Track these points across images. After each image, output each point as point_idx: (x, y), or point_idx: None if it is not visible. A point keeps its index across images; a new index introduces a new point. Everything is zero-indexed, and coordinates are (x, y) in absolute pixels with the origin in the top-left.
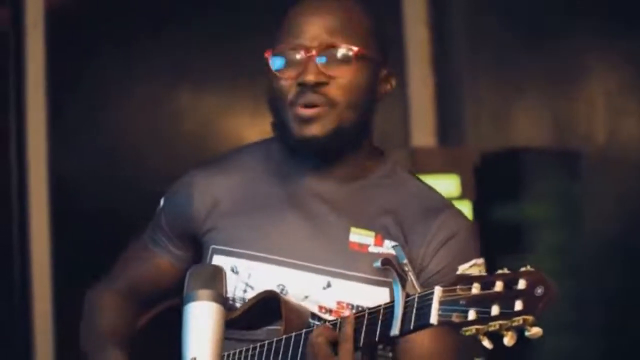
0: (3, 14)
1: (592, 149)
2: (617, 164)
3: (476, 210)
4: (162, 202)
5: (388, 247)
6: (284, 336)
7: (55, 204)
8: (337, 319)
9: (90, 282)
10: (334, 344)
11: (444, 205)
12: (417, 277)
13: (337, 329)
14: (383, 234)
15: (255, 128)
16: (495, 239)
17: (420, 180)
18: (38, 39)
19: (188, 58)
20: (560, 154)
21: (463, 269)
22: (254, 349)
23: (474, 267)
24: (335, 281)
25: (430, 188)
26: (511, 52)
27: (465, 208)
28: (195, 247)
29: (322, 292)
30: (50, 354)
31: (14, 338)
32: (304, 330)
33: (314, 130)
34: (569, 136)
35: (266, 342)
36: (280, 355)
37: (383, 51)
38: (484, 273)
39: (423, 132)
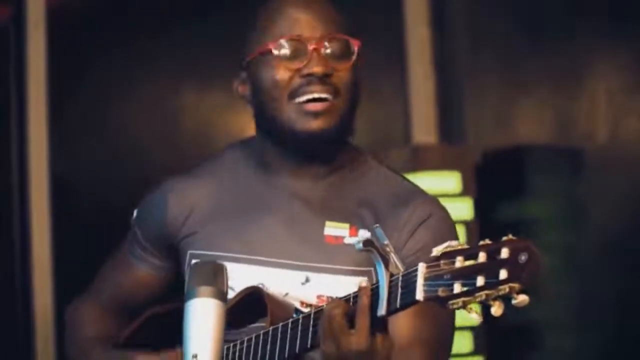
0: (4, 13)
1: (594, 147)
2: (619, 162)
3: (477, 208)
4: (135, 213)
5: (363, 236)
6: (271, 327)
7: (56, 203)
8: (350, 294)
9: (91, 281)
10: (349, 319)
11: (416, 191)
12: None
13: (351, 303)
14: (358, 225)
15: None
16: (497, 236)
17: (392, 170)
18: (39, 38)
19: (190, 57)
20: (562, 151)
21: (438, 250)
22: (242, 342)
23: (448, 248)
24: (313, 275)
25: (402, 177)
26: (513, 50)
27: (467, 206)
28: (173, 255)
29: (302, 288)
30: (51, 353)
31: (15, 337)
32: (290, 320)
33: (322, 123)
34: (571, 134)
35: (254, 335)
36: (268, 346)
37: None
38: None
39: (424, 130)
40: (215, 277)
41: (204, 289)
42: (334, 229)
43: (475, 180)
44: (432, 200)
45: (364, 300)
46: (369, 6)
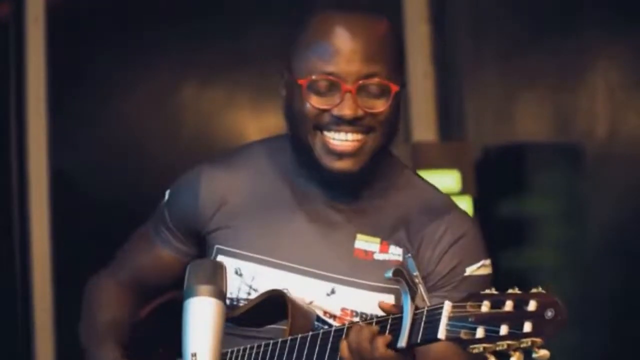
0: (4, 8)
1: (594, 144)
2: (620, 158)
3: (477, 205)
4: (166, 195)
5: (393, 253)
6: (289, 337)
7: (56, 199)
8: (374, 318)
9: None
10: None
11: (449, 206)
12: (425, 280)
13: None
14: (389, 240)
15: (257, 123)
16: (497, 234)
17: (425, 181)
18: (39, 33)
19: (190, 53)
20: (562, 148)
21: (471, 270)
22: (259, 347)
23: (481, 268)
24: (339, 288)
25: (434, 188)
26: (513, 46)
27: (466, 203)
28: (199, 243)
29: (326, 299)
30: (51, 352)
31: (15, 335)
32: (310, 334)
33: (347, 165)
34: (571, 131)
35: (271, 342)
36: (285, 356)
37: (402, 69)
38: (490, 272)
39: (424, 127)
40: (214, 275)
41: (203, 287)
42: (365, 243)
43: (475, 177)
44: (466, 217)
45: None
46: (368, 2)
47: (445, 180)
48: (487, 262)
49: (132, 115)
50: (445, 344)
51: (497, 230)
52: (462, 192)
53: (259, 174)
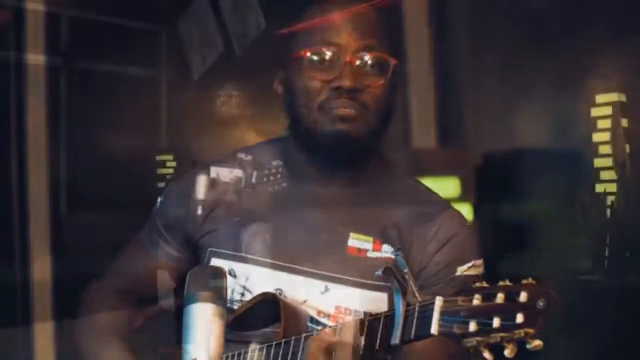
0: (3, 11)
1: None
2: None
3: (477, 212)
4: (158, 202)
5: (386, 251)
6: (284, 340)
7: (56, 202)
8: (337, 325)
9: (91, 281)
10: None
11: (443, 206)
12: (416, 278)
13: (337, 335)
14: (382, 238)
15: (256, 126)
16: (497, 240)
17: (419, 182)
18: (39, 34)
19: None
20: (563, 155)
21: (462, 270)
22: (253, 351)
23: (472, 268)
24: (333, 286)
25: (429, 190)
26: (513, 52)
27: (466, 210)
28: (192, 249)
29: (320, 297)
30: (51, 352)
31: (15, 335)
32: (303, 335)
33: (349, 127)
34: (572, 137)
35: (265, 345)
36: (279, 358)
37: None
38: (482, 272)
39: (424, 132)
40: (214, 281)
41: (204, 294)
42: (358, 241)
43: (475, 184)
44: (459, 217)
45: (347, 337)
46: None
47: (445, 186)
48: (479, 262)
49: (133, 117)
50: (428, 343)
51: (497, 237)
52: (462, 198)
53: (252, 175)
